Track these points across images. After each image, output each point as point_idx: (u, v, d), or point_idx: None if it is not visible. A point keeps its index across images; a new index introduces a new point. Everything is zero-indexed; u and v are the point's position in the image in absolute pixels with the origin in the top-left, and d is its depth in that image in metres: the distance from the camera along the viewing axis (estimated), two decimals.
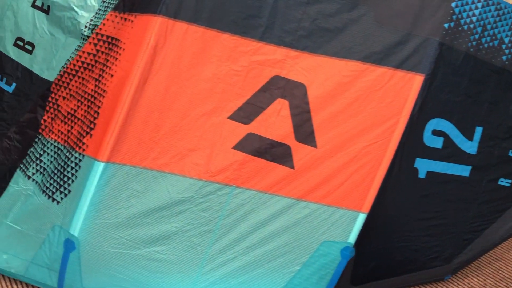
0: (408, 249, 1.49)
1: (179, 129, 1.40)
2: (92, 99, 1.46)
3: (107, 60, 1.46)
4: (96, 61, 1.49)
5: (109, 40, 1.47)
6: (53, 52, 1.93)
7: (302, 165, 1.39)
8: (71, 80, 1.56)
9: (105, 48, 1.48)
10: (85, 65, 1.53)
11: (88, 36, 1.83)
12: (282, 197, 1.41)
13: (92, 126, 1.43)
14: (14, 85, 1.99)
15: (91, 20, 1.87)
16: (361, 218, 1.41)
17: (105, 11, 1.83)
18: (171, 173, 1.41)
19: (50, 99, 1.62)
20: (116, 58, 1.42)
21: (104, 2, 1.86)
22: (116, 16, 1.46)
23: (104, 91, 1.43)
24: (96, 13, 1.87)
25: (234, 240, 1.43)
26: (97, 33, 1.50)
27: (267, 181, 1.40)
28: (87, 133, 1.44)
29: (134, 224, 1.42)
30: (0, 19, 2.09)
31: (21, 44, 2.02)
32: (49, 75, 1.90)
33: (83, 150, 1.44)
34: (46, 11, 2.00)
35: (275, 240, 1.43)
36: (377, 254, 1.48)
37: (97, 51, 1.49)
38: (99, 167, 1.38)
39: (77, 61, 1.55)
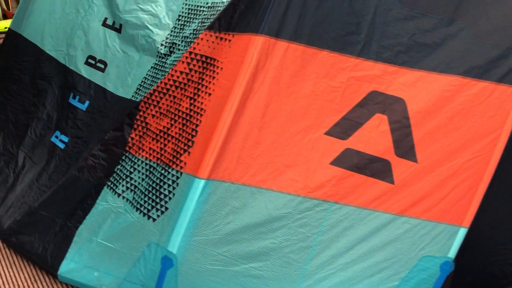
0: (505, 263, 1.48)
1: (277, 146, 1.41)
2: (188, 117, 1.48)
3: (202, 79, 1.47)
4: (189, 80, 1.51)
5: (203, 59, 1.49)
6: (127, 70, 1.96)
7: (402, 180, 1.39)
8: (161, 98, 1.58)
9: (199, 67, 1.49)
10: (177, 83, 1.54)
11: (165, 54, 1.86)
12: (382, 213, 1.40)
13: (190, 144, 1.44)
14: (87, 103, 2.02)
15: (167, 38, 1.90)
16: (461, 233, 1.40)
17: (181, 29, 1.86)
18: (269, 189, 1.41)
19: (138, 117, 1.64)
20: (213, 77, 1.44)
21: (179, 20, 1.89)
22: (211, 36, 1.48)
23: (202, 109, 1.44)
24: (172, 31, 1.90)
25: (332, 256, 1.43)
26: (190, 52, 1.52)
27: (366, 197, 1.40)
28: (185, 150, 1.45)
29: (232, 241, 1.43)
30: (71, 38, 2.13)
31: (93, 62, 2.05)
32: (125, 93, 1.93)
33: (181, 167, 1.45)
34: (118, 30, 2.03)
35: (374, 255, 1.43)
36: (474, 269, 1.47)
37: (190, 70, 1.51)
38: (200, 184, 1.39)
39: (169, 79, 1.56)
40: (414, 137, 1.38)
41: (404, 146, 1.39)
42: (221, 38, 1.45)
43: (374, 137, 1.39)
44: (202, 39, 1.50)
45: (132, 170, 1.60)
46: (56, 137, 2.07)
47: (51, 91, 2.15)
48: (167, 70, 1.80)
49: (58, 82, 2.15)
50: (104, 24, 2.08)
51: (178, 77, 1.54)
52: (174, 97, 1.55)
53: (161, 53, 1.88)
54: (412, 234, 1.41)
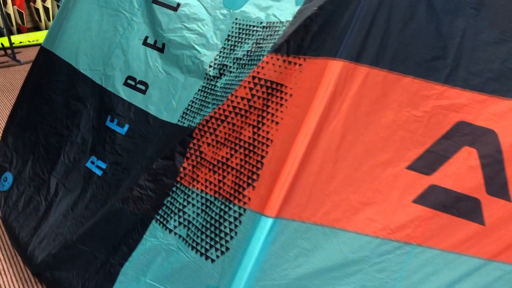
0: None
1: (352, 181, 1.27)
2: (251, 148, 1.35)
3: (267, 106, 1.35)
4: (251, 106, 1.38)
5: (268, 84, 1.36)
6: (171, 92, 1.84)
7: (493, 221, 1.25)
8: (219, 125, 1.45)
9: (263, 92, 1.37)
10: (237, 110, 1.42)
11: (214, 77, 1.74)
12: (470, 257, 1.26)
13: (254, 177, 1.31)
14: (127, 126, 1.89)
15: (215, 59, 1.78)
16: None
17: (232, 50, 1.74)
18: (344, 229, 1.27)
19: (191, 145, 1.51)
20: (281, 104, 1.31)
21: (229, 40, 1.78)
22: (278, 59, 1.35)
23: (268, 139, 1.31)
24: (220, 51, 1.78)
25: None
26: (253, 77, 1.39)
27: (453, 239, 1.26)
28: (249, 184, 1.32)
29: (301, 286, 1.28)
30: (108, 57, 2.01)
31: (133, 83, 1.93)
32: (169, 117, 1.80)
33: (244, 203, 1.31)
34: (160, 49, 1.92)
35: None
36: None
37: (253, 95, 1.38)
38: (268, 223, 1.25)
39: (228, 105, 1.43)
40: (507, 173, 1.24)
41: (496, 183, 1.25)
42: (290, 62, 1.33)
43: (462, 173, 1.25)
44: (267, 62, 1.37)
45: (185, 203, 1.46)
46: (92, 162, 1.94)
47: (86, 113, 2.03)
48: (218, 93, 1.68)
49: (94, 104, 2.03)
50: (145, 43, 1.97)
51: (238, 103, 1.41)
52: (234, 124, 1.42)
53: (209, 75, 1.76)
54: (504, 281, 1.26)
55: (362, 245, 1.27)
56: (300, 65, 1.30)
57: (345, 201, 1.28)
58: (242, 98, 1.41)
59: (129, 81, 1.95)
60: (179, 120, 1.77)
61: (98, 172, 1.89)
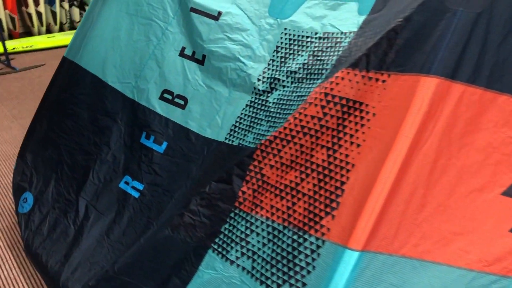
0: None
1: (444, 209, 1.16)
2: (326, 172, 1.23)
3: (344, 126, 1.23)
4: (322, 126, 1.27)
5: (344, 102, 1.24)
6: (214, 108, 1.71)
7: None
8: (284, 146, 1.33)
9: (337, 111, 1.25)
10: (305, 129, 1.29)
11: (264, 91, 1.62)
12: None
13: (333, 205, 1.19)
14: (165, 144, 1.75)
15: (264, 72, 1.66)
16: None
17: (283, 62, 1.62)
18: (435, 262, 1.16)
19: (251, 167, 1.38)
20: (362, 125, 1.20)
21: (278, 52, 1.66)
22: (355, 75, 1.24)
23: (348, 163, 1.19)
24: (269, 64, 1.66)
25: None
26: (325, 94, 1.27)
27: None
28: (327, 213, 1.20)
29: None
30: (140, 69, 1.87)
31: (170, 97, 1.80)
32: (214, 134, 1.67)
33: (322, 234, 1.19)
34: (200, 61, 1.79)
35: None
36: None
37: (325, 114, 1.27)
38: (353, 256, 1.13)
39: (295, 125, 1.31)
40: None
41: None
42: (371, 78, 1.22)
43: None
44: (342, 78, 1.25)
45: (248, 231, 1.34)
46: (127, 183, 1.79)
47: (116, 129, 1.88)
48: (272, 109, 1.55)
49: (125, 119, 1.88)
50: (182, 54, 1.83)
51: (308, 122, 1.29)
52: (302, 145, 1.30)
53: (258, 90, 1.64)
54: None
55: (455, 279, 1.16)
56: (383, 81, 1.19)
57: (436, 231, 1.17)
58: (312, 117, 1.29)
59: (165, 95, 1.82)
60: (226, 138, 1.64)
61: (135, 194, 1.75)
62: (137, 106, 1.86)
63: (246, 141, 1.55)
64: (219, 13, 1.78)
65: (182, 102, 1.79)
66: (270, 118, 1.52)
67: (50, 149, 2.02)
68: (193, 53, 1.81)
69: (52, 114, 2.05)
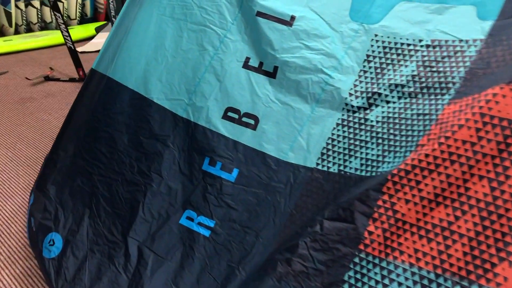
0: None
1: None
2: (493, 208, 1.03)
3: (510, 153, 1.04)
4: (476, 152, 1.07)
5: (505, 124, 1.06)
6: (294, 128, 1.48)
7: None
8: (425, 177, 1.12)
9: (496, 134, 1.06)
10: (453, 157, 1.09)
11: (359, 107, 1.40)
12: None
13: (510, 249, 1.00)
14: (236, 171, 1.50)
15: (355, 85, 1.44)
16: None
17: (379, 73, 1.42)
18: None
19: (380, 202, 1.16)
20: None
21: (370, 61, 1.45)
22: None
23: None
24: (360, 75, 1.45)
25: None
26: (482, 114, 1.08)
27: None
28: (502, 259, 1.00)
29: None
30: (195, 83, 1.60)
31: (236, 116, 1.54)
32: (300, 159, 1.44)
33: (497, 284, 1.00)
34: (270, 74, 1.54)
35: None
36: None
37: (480, 138, 1.07)
38: None
39: (442, 151, 1.11)
40: None
41: None
42: None
43: None
44: (503, 96, 1.07)
45: (385, 281, 1.12)
46: (190, 219, 1.52)
47: (168, 155, 1.60)
48: (378, 129, 1.34)
49: (179, 143, 1.60)
50: (246, 66, 1.58)
51: (458, 148, 1.09)
52: (449, 175, 1.10)
53: (352, 106, 1.42)
54: None
55: None
56: None
57: None
58: (464, 142, 1.09)
59: (230, 114, 1.56)
60: (318, 164, 1.41)
61: (204, 232, 1.48)
62: (195, 127, 1.59)
63: (351, 168, 1.33)
64: (292, 18, 1.54)
65: (252, 122, 1.54)
66: (381, 141, 1.31)
67: (79, 179, 1.70)
68: (261, 64, 1.57)
69: (80, 138, 1.73)
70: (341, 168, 1.35)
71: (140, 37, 1.69)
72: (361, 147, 1.34)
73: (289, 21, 1.54)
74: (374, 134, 1.33)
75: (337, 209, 1.22)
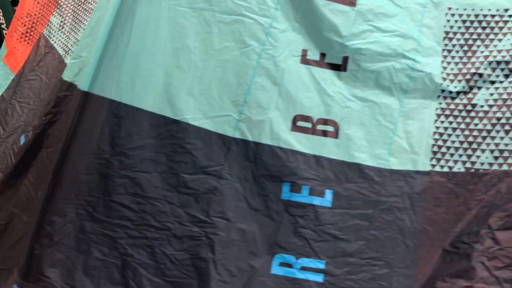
0: None
1: None
2: None
3: None
4: None
5: None
6: (386, 127, 1.25)
7: None
8: None
9: None
10: None
11: (459, 92, 1.23)
12: None
13: None
14: (329, 192, 1.21)
15: (444, 68, 1.26)
16: None
17: (467, 51, 1.26)
18: None
19: None
20: None
21: (451, 39, 1.28)
22: None
23: None
24: (445, 56, 1.28)
25: None
26: None
27: None
28: None
29: None
30: (243, 91, 1.24)
31: (309, 125, 1.24)
32: (405, 163, 1.23)
33: None
34: (337, 67, 1.27)
35: None
36: None
37: None
38: None
39: None
40: None
41: None
42: None
43: None
44: None
45: None
46: (287, 265, 1.17)
47: (229, 190, 1.20)
48: (491, 114, 1.18)
49: (238, 172, 1.21)
50: (305, 60, 1.26)
51: None
52: None
53: (450, 92, 1.23)
54: None
55: None
56: None
57: None
58: None
59: (300, 124, 1.23)
60: (434, 165, 1.19)
61: (315, 278, 1.15)
62: (257, 148, 1.22)
63: (483, 163, 1.16)
64: None
65: (331, 129, 1.24)
66: (509, 127, 1.16)
67: (96, 251, 1.18)
68: (322, 56, 1.26)
69: (83, 193, 1.20)
70: (468, 165, 1.18)
71: (148, 40, 1.21)
72: (484, 137, 1.18)
73: (352, 1, 1.27)
74: (494, 121, 1.18)
75: (508, 216, 1.06)
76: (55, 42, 1.94)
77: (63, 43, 1.86)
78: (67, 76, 1.40)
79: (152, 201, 1.22)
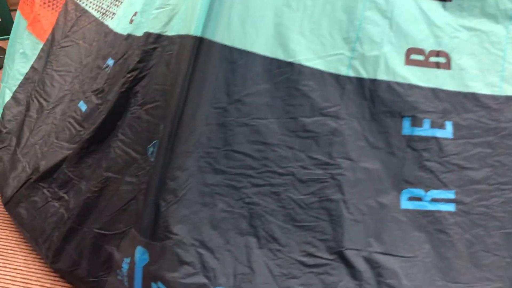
0: None
1: None
2: None
3: None
4: None
5: None
6: (496, 55, 1.25)
7: None
8: None
9: None
10: None
11: None
12: None
13: None
14: (449, 124, 1.21)
15: None
16: None
17: None
18: None
19: None
20: None
21: None
22: None
23: None
24: None
25: None
26: None
27: None
28: None
29: None
30: (354, 28, 1.21)
31: (422, 58, 1.23)
32: None
33: None
34: None
35: None
36: None
37: None
38: None
39: None
40: None
41: None
42: None
43: None
44: None
45: None
46: (416, 198, 1.17)
47: (348, 130, 1.17)
48: None
49: (355, 111, 1.18)
50: None
51: None
52: None
53: None
54: None
55: None
56: None
57: None
58: None
59: (413, 57, 1.21)
60: None
61: (447, 208, 1.15)
62: (373, 85, 1.19)
63: None
64: None
65: (443, 60, 1.22)
66: None
67: (221, 202, 1.15)
68: None
69: (203, 144, 1.14)
70: None
71: None
72: None
73: None
74: None
75: None
76: (86, 5, 1.83)
77: (97, 5, 1.76)
78: (151, 28, 1.32)
79: (272, 147, 1.18)
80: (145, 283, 1.16)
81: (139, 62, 1.33)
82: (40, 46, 1.99)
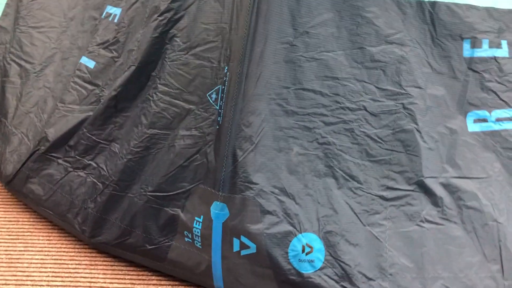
0: None
1: None
2: None
3: None
4: None
5: None
6: None
7: None
8: None
9: None
10: None
11: None
12: None
13: None
14: (505, 43, 1.22)
15: None
16: None
17: None
18: None
19: None
20: None
21: None
22: None
23: None
24: None
25: None
26: None
27: None
28: None
29: None
30: None
31: None
32: None
33: None
34: None
35: None
36: None
37: None
38: None
39: None
40: None
41: None
42: None
43: None
44: None
45: None
46: (482, 120, 1.16)
47: (414, 57, 1.13)
48: None
49: (418, 36, 1.14)
50: None
51: None
52: None
53: None
54: None
55: None
56: None
57: None
58: None
59: None
60: None
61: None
62: (434, 8, 1.15)
63: None
64: None
65: None
66: None
67: (296, 146, 1.07)
68: None
69: (273, 85, 1.04)
70: None
71: None
72: None
73: None
74: None
75: None
76: None
77: None
78: None
79: (342, 81, 1.11)
80: (225, 239, 1.07)
81: (172, 1, 1.18)
82: (3, 1, 1.73)
